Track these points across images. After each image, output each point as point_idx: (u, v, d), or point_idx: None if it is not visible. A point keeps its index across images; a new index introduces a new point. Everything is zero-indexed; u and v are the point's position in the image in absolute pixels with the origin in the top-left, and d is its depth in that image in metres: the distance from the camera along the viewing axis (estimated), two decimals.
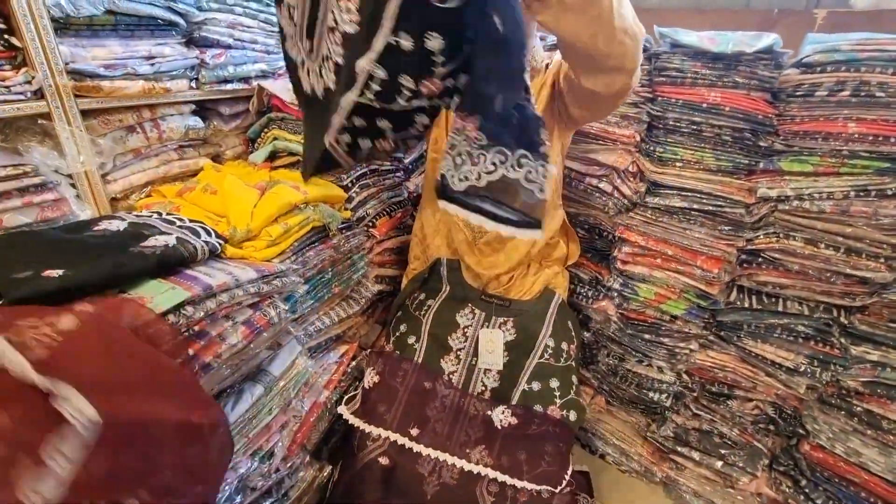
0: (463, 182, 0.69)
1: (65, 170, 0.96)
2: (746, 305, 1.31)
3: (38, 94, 0.93)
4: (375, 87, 0.62)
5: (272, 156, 1.32)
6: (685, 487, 1.50)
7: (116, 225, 0.87)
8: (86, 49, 0.99)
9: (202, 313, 0.77)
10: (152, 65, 1.09)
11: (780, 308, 1.27)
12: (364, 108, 0.66)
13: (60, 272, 0.67)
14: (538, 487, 1.09)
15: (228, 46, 1.24)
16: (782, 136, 1.16)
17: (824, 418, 1.27)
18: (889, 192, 1.07)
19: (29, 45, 0.90)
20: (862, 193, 1.09)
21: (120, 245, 0.79)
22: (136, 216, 0.93)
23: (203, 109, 1.27)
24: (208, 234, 0.90)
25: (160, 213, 0.96)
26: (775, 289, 1.27)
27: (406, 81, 0.61)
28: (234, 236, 0.95)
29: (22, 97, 0.91)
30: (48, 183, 0.93)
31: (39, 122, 0.95)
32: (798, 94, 1.11)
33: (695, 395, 1.49)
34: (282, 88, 1.28)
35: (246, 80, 1.31)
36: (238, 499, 0.93)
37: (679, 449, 1.51)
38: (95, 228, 0.85)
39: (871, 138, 1.06)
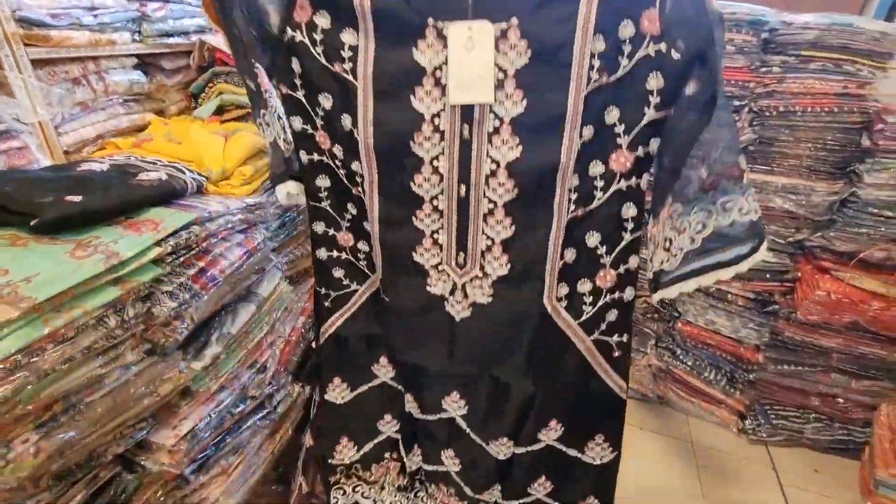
0: (678, 257, 0.69)
1: (22, 119, 0.98)
2: None
3: None
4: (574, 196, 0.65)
5: (219, 110, 1.38)
6: None
7: (98, 166, 0.93)
8: None
9: (206, 233, 0.88)
10: (95, 16, 1.11)
11: None
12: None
13: (80, 198, 0.75)
14: None
15: (167, 0, 1.27)
16: None
17: (690, 300, 1.69)
18: None
19: None
20: None
21: (119, 179, 0.86)
22: (111, 160, 0.99)
23: (145, 64, 1.29)
24: (190, 172, 0.99)
25: (133, 157, 1.02)
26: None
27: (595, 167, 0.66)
28: (211, 176, 1.05)
29: None
30: (11, 130, 0.95)
31: None
32: None
33: None
34: (225, 43, 1.34)
35: (185, 34, 1.35)
36: (240, 406, 1.06)
37: None
38: (80, 169, 0.90)
39: None
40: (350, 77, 0.67)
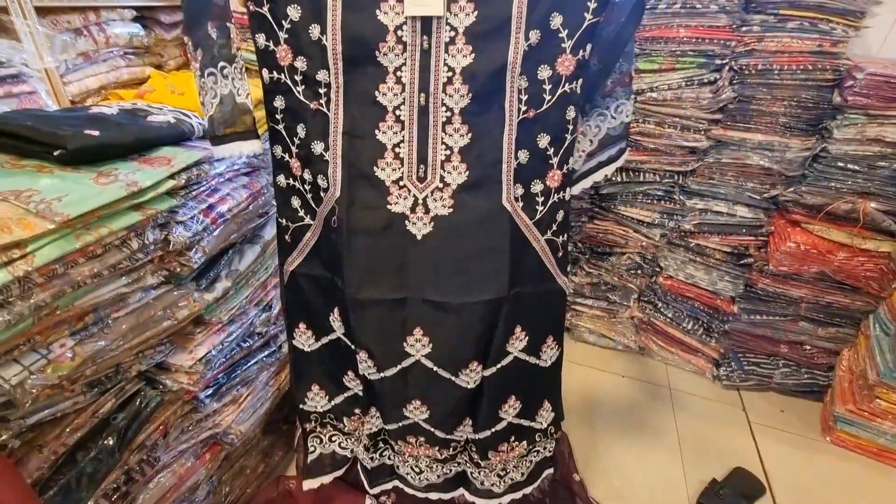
0: (582, 158, 0.81)
1: (31, 65, 1.01)
2: (619, 180, 1.74)
3: None
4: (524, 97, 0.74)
5: None
6: (583, 328, 1.98)
7: (108, 110, 0.97)
8: None
9: (214, 171, 0.94)
10: None
11: (641, 179, 1.71)
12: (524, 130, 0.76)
13: (97, 132, 0.80)
14: None
15: None
16: (638, 41, 1.54)
17: (671, 255, 1.78)
18: (705, 80, 1.51)
19: None
20: (689, 83, 1.52)
21: (130, 119, 0.91)
22: (119, 105, 1.03)
23: (143, 18, 1.32)
24: (196, 117, 1.04)
25: (140, 103, 1.06)
26: (637, 165, 1.70)
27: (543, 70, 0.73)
28: None
29: None
30: (22, 75, 0.98)
31: None
32: (647, 7, 1.48)
33: (586, 257, 1.93)
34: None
35: None
36: (248, 342, 1.14)
37: (577, 300, 1.97)
38: (91, 111, 0.95)
39: (694, 40, 1.47)
40: None
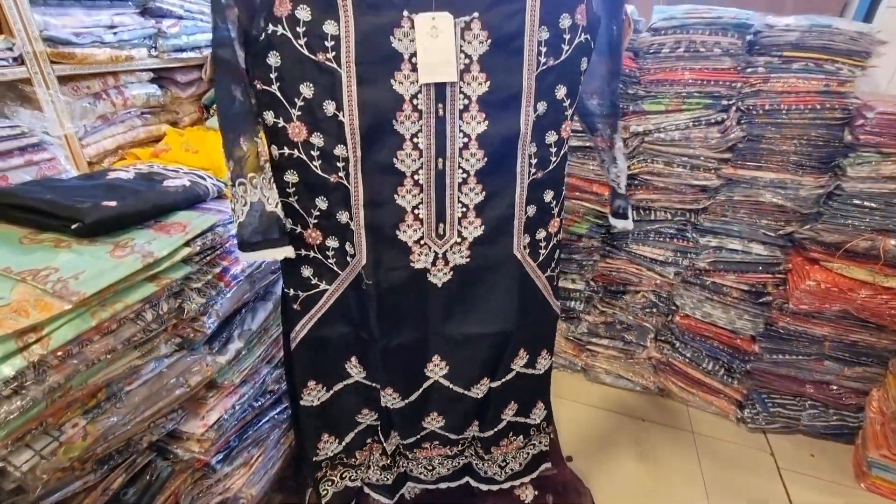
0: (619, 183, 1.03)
1: (52, 132, 1.04)
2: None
3: (19, 61, 1.00)
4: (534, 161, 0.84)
5: None
6: (599, 368, 1.93)
7: (125, 175, 0.99)
8: (55, 18, 1.06)
9: (229, 234, 0.94)
10: (115, 33, 1.17)
11: (652, 217, 1.70)
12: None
13: (115, 203, 0.81)
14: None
15: (180, 17, 1.34)
16: (643, 84, 1.56)
17: (687, 293, 1.75)
18: (712, 121, 1.51)
19: (7, 13, 0.96)
20: (697, 123, 1.53)
21: (147, 185, 0.92)
22: (135, 169, 1.05)
23: (160, 78, 1.36)
24: (210, 178, 1.05)
25: (155, 166, 1.08)
26: (648, 203, 1.70)
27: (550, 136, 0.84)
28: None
29: (4, 63, 0.97)
30: (43, 143, 1.01)
31: (19, 87, 1.01)
32: (651, 51, 1.51)
33: (599, 296, 1.90)
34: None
35: (197, 49, 1.41)
36: (261, 400, 1.12)
37: (592, 340, 1.93)
38: (108, 178, 0.96)
39: (699, 82, 1.48)
40: (334, 65, 0.72)
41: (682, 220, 1.68)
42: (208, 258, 0.89)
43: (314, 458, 1.08)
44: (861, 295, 1.45)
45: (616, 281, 1.86)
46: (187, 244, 0.83)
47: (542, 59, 0.76)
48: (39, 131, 1.01)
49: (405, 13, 0.70)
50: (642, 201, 1.70)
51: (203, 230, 0.88)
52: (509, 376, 1.04)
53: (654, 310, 1.86)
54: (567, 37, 0.76)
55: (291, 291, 0.91)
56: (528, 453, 1.21)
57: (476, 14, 0.72)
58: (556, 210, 0.93)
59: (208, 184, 1.01)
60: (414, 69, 0.73)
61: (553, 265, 0.99)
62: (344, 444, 1.09)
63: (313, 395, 1.01)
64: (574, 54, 0.78)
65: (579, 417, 1.75)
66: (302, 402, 1.01)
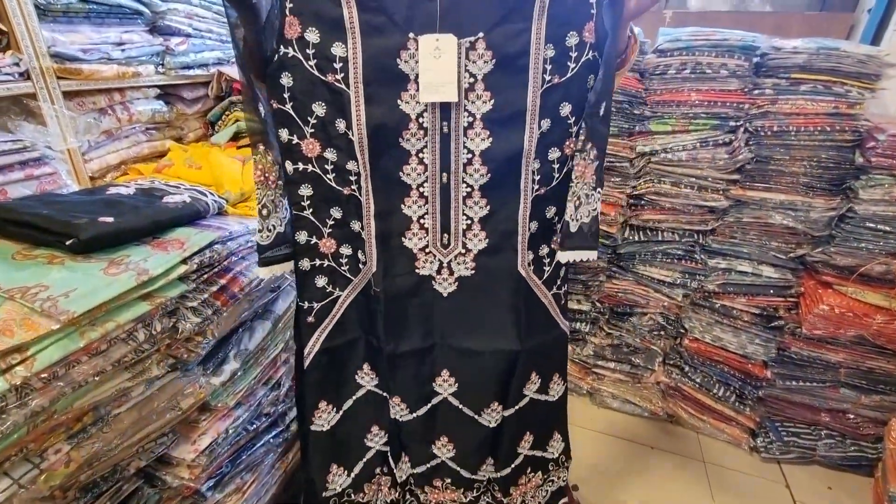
0: (576, 223, 0.83)
1: (55, 147, 1.03)
2: (637, 239, 1.70)
3: (25, 76, 1.00)
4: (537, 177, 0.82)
5: (235, 136, 1.44)
6: (605, 392, 1.88)
7: (125, 190, 0.97)
8: (63, 34, 1.06)
9: (227, 252, 0.92)
10: (123, 50, 1.18)
11: (659, 238, 1.68)
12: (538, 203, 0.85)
13: (112, 219, 0.79)
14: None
15: (189, 35, 1.35)
16: (649, 105, 1.55)
17: (696, 316, 1.70)
18: (720, 142, 1.50)
19: (15, 29, 0.97)
20: (704, 144, 1.51)
21: (146, 201, 0.91)
22: (137, 184, 1.04)
23: (166, 94, 1.36)
24: (211, 195, 1.04)
25: (157, 181, 1.07)
26: (655, 223, 1.67)
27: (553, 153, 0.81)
28: (230, 199, 1.09)
29: (10, 78, 0.97)
30: (44, 158, 1.00)
31: (24, 101, 1.01)
32: (657, 73, 1.50)
33: (606, 317, 1.86)
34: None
35: (204, 66, 1.42)
36: (256, 424, 1.08)
37: (599, 363, 1.88)
38: (108, 193, 0.95)
39: (706, 103, 1.47)
40: (342, 86, 0.74)
41: (690, 241, 1.65)
42: (206, 276, 0.87)
43: (323, 494, 1.04)
44: (877, 320, 1.40)
45: (623, 302, 1.82)
46: (184, 262, 0.81)
47: (548, 77, 0.76)
48: (42, 146, 1.00)
49: (411, 35, 0.71)
50: (649, 222, 1.67)
51: (201, 247, 0.86)
52: (522, 403, 1.00)
53: (662, 332, 1.81)
54: (574, 55, 0.75)
55: (306, 304, 0.93)
56: (547, 490, 1.14)
57: (481, 34, 0.72)
58: (559, 226, 0.91)
59: (209, 200, 1.00)
60: (419, 88, 0.74)
61: (559, 282, 0.97)
62: (353, 475, 1.05)
63: (324, 419, 1.00)
64: (581, 71, 0.77)
65: (585, 444, 1.69)
66: (312, 428, 1.00)
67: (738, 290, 1.61)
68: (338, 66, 0.73)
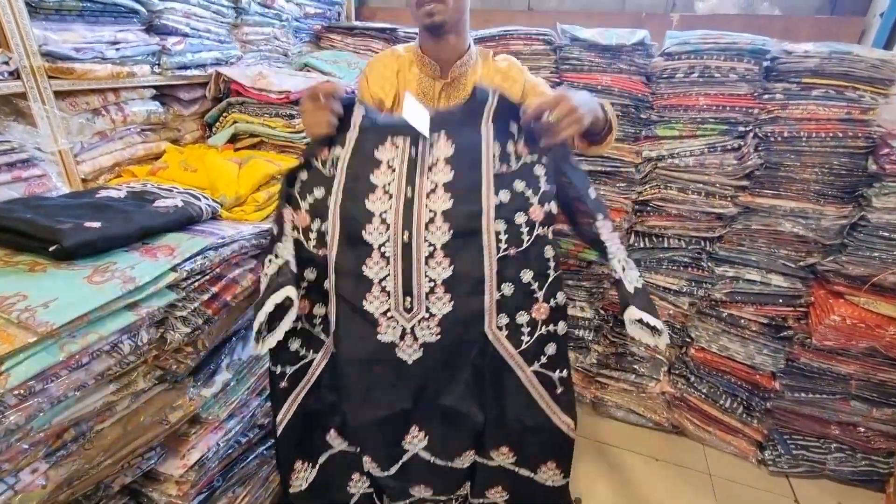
0: (630, 284, 0.84)
1: (44, 148, 1.00)
2: (642, 246, 1.66)
3: (15, 75, 0.97)
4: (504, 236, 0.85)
5: (232, 138, 1.41)
6: (609, 402, 1.84)
7: (116, 193, 0.94)
8: (56, 33, 1.03)
9: (220, 258, 0.88)
10: (117, 49, 1.14)
11: (665, 245, 1.64)
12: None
13: (99, 224, 0.76)
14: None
15: (186, 35, 1.31)
16: (656, 109, 1.52)
17: (702, 325, 1.67)
18: (728, 147, 1.46)
19: (5, 27, 0.93)
20: (712, 149, 1.48)
21: (136, 205, 0.88)
22: (128, 187, 1.00)
23: (162, 95, 1.33)
24: (205, 198, 1.00)
25: (149, 184, 1.04)
26: (661, 230, 1.63)
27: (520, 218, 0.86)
28: (225, 203, 1.06)
29: None
30: (33, 159, 0.97)
31: (14, 101, 0.98)
32: (664, 76, 1.47)
33: (610, 325, 1.82)
34: (240, 74, 1.38)
35: (202, 66, 1.39)
36: (249, 435, 1.04)
37: (602, 372, 1.84)
38: (98, 196, 0.92)
39: (714, 108, 1.44)
40: (335, 171, 0.88)
41: (696, 249, 1.61)
42: (197, 284, 0.83)
43: None
44: (889, 332, 1.36)
45: None
46: (174, 269, 0.78)
47: (499, 166, 0.86)
48: (31, 147, 0.97)
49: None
50: (655, 228, 1.64)
51: (192, 254, 0.82)
52: (492, 463, 0.97)
53: (668, 342, 1.77)
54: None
55: (279, 369, 0.90)
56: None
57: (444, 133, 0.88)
58: (542, 294, 0.87)
59: (202, 204, 0.97)
60: (391, 169, 0.87)
61: (546, 361, 0.89)
62: None
63: (301, 479, 0.98)
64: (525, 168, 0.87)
65: (588, 455, 1.65)
66: (291, 490, 0.97)
67: (745, 298, 1.58)
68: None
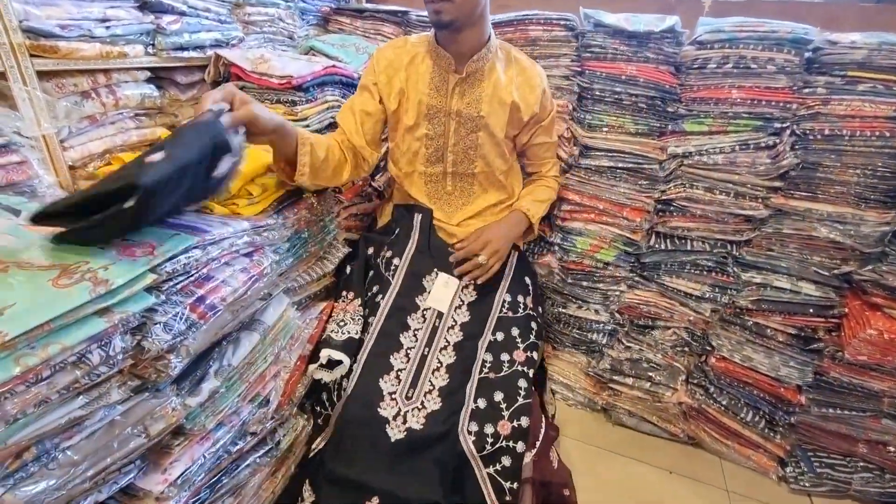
0: None
1: (25, 132, 0.93)
2: (663, 248, 1.57)
3: None
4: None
5: None
6: (622, 409, 1.75)
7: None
8: (38, 8, 0.96)
9: (207, 258, 0.81)
10: (107, 27, 1.07)
11: (688, 247, 1.54)
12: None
13: (160, 154, 0.70)
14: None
15: (183, 13, 1.23)
16: (684, 102, 1.41)
17: (725, 334, 1.57)
18: (762, 145, 1.35)
19: None
20: (744, 147, 1.37)
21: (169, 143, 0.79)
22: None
23: (158, 78, 1.25)
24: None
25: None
26: (684, 231, 1.54)
27: None
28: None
29: None
30: (11, 144, 0.90)
31: None
32: (694, 66, 1.36)
33: (625, 329, 1.73)
34: (240, 57, 1.30)
35: (200, 48, 1.31)
36: (240, 444, 0.98)
37: (615, 378, 1.75)
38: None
39: (749, 102, 1.33)
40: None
41: (722, 252, 1.51)
42: (180, 285, 0.76)
43: None
44: None
45: (644, 314, 1.69)
46: (153, 270, 0.71)
47: (506, 311, 1.29)
48: (10, 131, 0.90)
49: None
50: (677, 229, 1.54)
51: (175, 253, 0.75)
52: None
53: (687, 349, 1.68)
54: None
55: (318, 408, 1.23)
56: None
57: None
58: (507, 413, 1.11)
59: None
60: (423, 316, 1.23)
61: (500, 469, 1.06)
62: None
63: None
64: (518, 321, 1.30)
65: (598, 464, 1.58)
66: None
67: (773, 307, 1.48)
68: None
